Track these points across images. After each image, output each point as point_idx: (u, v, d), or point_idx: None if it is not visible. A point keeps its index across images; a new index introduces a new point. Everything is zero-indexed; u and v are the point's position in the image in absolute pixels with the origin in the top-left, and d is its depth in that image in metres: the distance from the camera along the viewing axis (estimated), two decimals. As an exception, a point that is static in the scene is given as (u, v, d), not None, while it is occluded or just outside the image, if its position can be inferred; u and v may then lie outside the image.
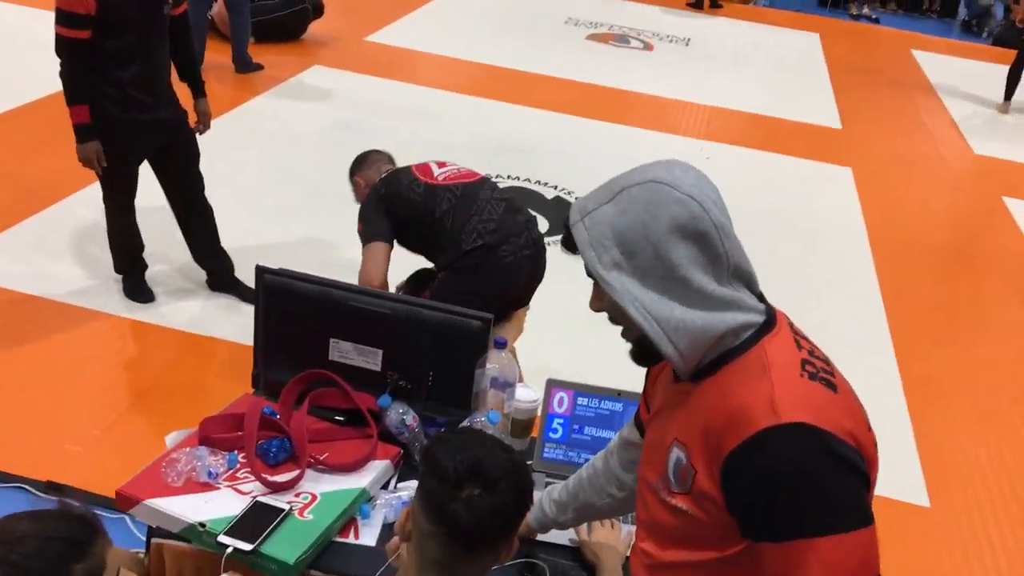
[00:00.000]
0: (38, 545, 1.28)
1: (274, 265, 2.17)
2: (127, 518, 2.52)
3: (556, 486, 1.83)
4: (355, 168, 3.37)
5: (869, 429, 1.28)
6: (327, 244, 4.55)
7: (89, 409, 3.28)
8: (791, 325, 1.36)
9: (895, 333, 4.48)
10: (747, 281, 1.32)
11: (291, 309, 2.14)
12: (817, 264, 5.06)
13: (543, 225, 5.09)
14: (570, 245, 1.34)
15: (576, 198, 5.34)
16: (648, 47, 9.26)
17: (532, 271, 2.97)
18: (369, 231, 2.98)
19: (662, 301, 1.26)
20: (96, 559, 1.33)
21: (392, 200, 2.98)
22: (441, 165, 3.07)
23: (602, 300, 1.34)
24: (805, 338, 1.35)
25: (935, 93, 8.95)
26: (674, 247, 1.24)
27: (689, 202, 1.25)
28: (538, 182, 5.65)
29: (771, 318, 1.32)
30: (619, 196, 1.28)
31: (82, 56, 3.33)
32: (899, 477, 3.45)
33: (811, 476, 1.17)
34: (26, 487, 2.88)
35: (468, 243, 2.84)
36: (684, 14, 10.87)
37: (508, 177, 5.65)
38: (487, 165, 5.69)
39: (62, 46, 3.32)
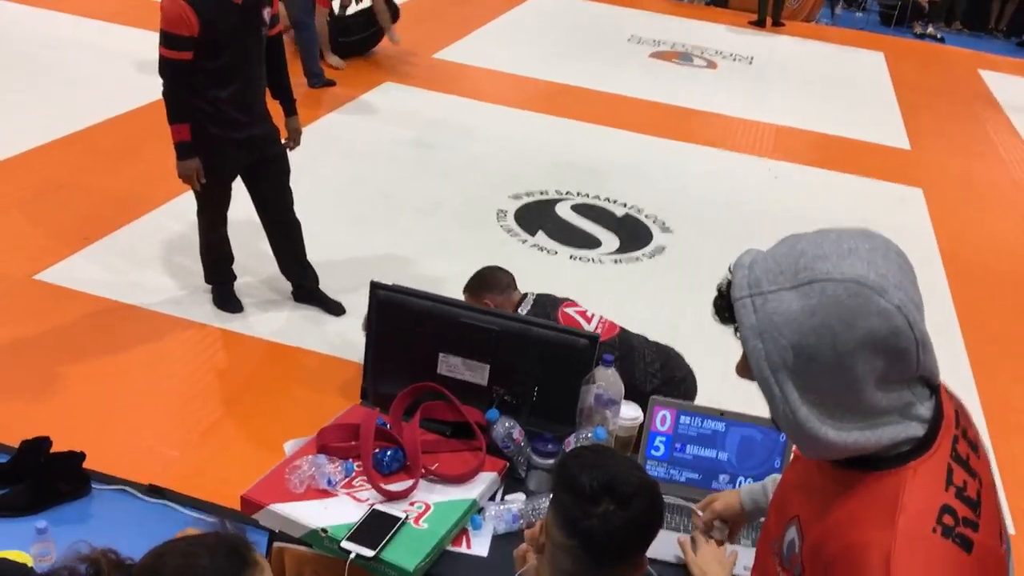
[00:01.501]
0: None
1: (362, 279, 2.24)
2: (227, 523, 2.63)
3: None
4: (480, 288, 3.16)
5: None
6: (407, 259, 4.64)
7: (184, 414, 3.40)
8: (956, 439, 1.21)
9: (974, 363, 4.44)
10: (928, 381, 1.18)
11: (402, 323, 2.22)
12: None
13: (614, 243, 5.15)
14: (724, 314, 1.22)
15: (647, 215, 5.45)
16: (712, 65, 9.27)
17: (694, 396, 3.01)
18: None
19: (817, 418, 1.15)
20: None
21: None
22: (583, 315, 3.00)
23: (750, 372, 1.20)
24: (963, 462, 1.19)
25: (1004, 114, 8.84)
26: (861, 361, 1.10)
27: (894, 315, 1.09)
28: (607, 199, 5.70)
29: (932, 430, 1.18)
30: (808, 288, 1.12)
31: (184, 76, 3.46)
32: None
33: None
34: (129, 489, 2.99)
35: (643, 388, 2.79)
36: (747, 32, 10.87)
37: (578, 194, 5.71)
38: (558, 182, 5.81)
39: (165, 67, 3.45)
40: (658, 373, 2.89)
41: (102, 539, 2.74)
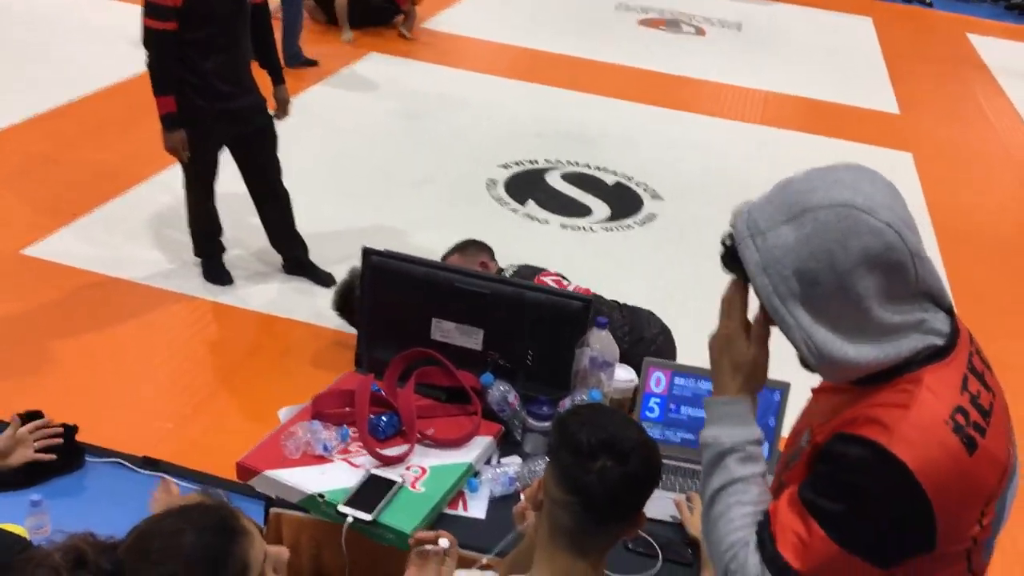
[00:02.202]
0: (182, 564, 1.25)
1: (352, 251, 2.23)
2: (222, 492, 2.63)
3: None
4: (475, 250, 3.25)
5: (987, 504, 1.23)
6: (397, 230, 4.62)
7: (177, 387, 3.39)
8: (971, 354, 1.28)
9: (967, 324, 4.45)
10: (935, 298, 1.25)
11: (396, 289, 2.21)
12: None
13: (605, 211, 5.13)
14: (731, 262, 1.28)
15: (637, 183, 5.44)
16: (700, 32, 9.22)
17: (671, 353, 3.01)
18: None
19: (833, 338, 1.20)
20: (238, 566, 1.30)
21: None
22: (558, 280, 3.02)
23: (769, 319, 1.27)
24: (978, 375, 1.27)
25: (992, 77, 8.83)
26: (861, 279, 1.17)
27: (884, 231, 1.16)
28: (598, 167, 5.68)
29: (950, 342, 1.25)
30: (802, 218, 1.19)
31: (169, 47, 3.41)
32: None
33: (871, 506, 1.19)
34: (123, 462, 2.98)
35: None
36: (735, -2, 10.80)
37: (568, 163, 5.69)
38: (548, 151, 5.78)
39: (150, 37, 3.41)
40: (626, 337, 2.86)
41: (96, 512, 2.76)
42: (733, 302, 1.34)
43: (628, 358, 2.65)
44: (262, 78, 3.83)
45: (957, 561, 1.26)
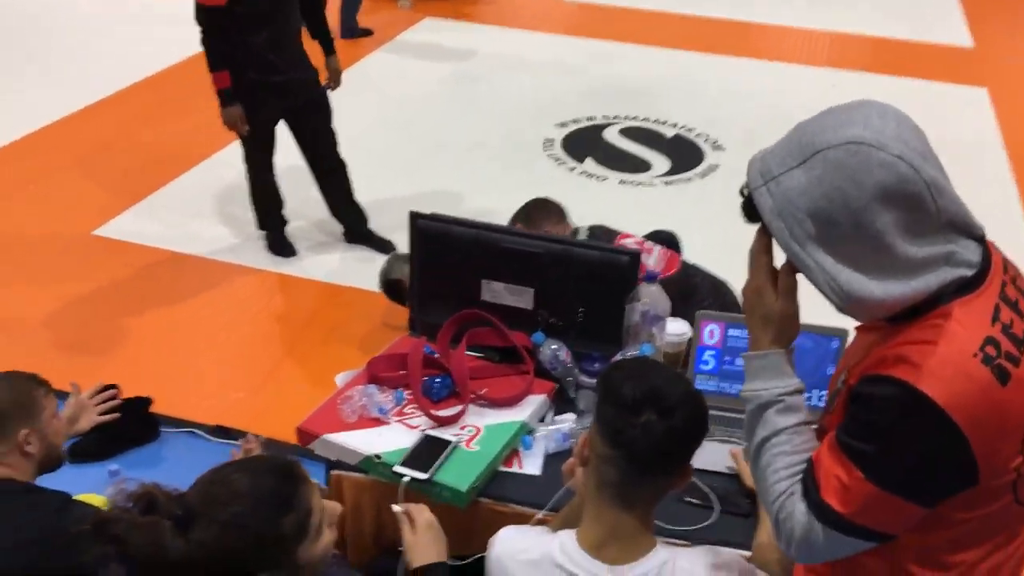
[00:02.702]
0: (250, 503, 1.34)
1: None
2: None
3: None
4: (538, 216, 3.00)
5: None
6: (454, 194, 4.63)
7: (246, 357, 3.48)
8: (1005, 283, 1.23)
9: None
10: (964, 229, 1.21)
11: (444, 252, 2.22)
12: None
13: (665, 165, 5.06)
14: (750, 212, 1.25)
15: (697, 134, 5.33)
16: (761, -25, 8.94)
17: None
18: None
19: (858, 277, 1.17)
20: (302, 510, 1.39)
21: None
22: (640, 243, 2.86)
23: (793, 266, 1.25)
24: (1011, 303, 1.22)
25: (1074, 3, 8.39)
26: (878, 215, 1.14)
27: (896, 163, 1.13)
28: (657, 120, 5.59)
29: (981, 272, 1.21)
30: (812, 160, 1.17)
31: (220, 23, 3.46)
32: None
33: (905, 444, 1.17)
34: (197, 431, 3.08)
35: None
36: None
37: (626, 118, 5.61)
38: (605, 107, 5.71)
39: (201, 13, 3.46)
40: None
41: (172, 479, 2.84)
42: (759, 254, 1.32)
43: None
44: (314, 50, 3.86)
45: (1003, 493, 1.23)
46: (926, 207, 1.15)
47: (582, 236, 2.92)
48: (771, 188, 1.21)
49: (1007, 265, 1.28)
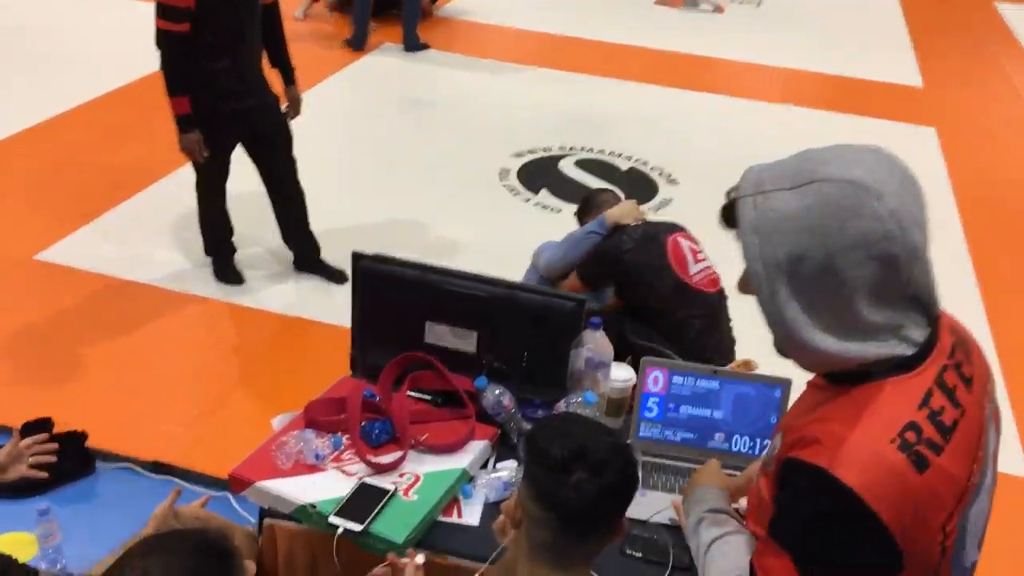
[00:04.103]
0: None
1: (361, 248, 2.20)
2: (230, 496, 2.63)
3: None
4: (588, 211, 3.01)
5: (948, 521, 1.19)
6: (407, 224, 4.61)
7: (188, 391, 3.40)
8: (945, 367, 1.21)
9: (988, 305, 4.36)
10: (923, 304, 1.19)
11: (387, 294, 2.18)
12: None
13: (620, 197, 5.07)
14: (728, 218, 1.23)
15: (652, 168, 5.36)
16: (718, 10, 9.07)
17: None
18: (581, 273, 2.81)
19: (804, 320, 1.15)
20: None
21: (633, 270, 2.72)
22: (696, 256, 2.77)
23: (750, 286, 1.23)
24: (948, 390, 1.20)
25: (1021, 47, 8.61)
26: (851, 265, 1.11)
27: (886, 219, 1.10)
28: (612, 153, 5.61)
29: (920, 354, 1.19)
30: (807, 188, 1.14)
31: (182, 48, 3.41)
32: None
33: (824, 531, 1.18)
34: (134, 467, 3.00)
35: (703, 358, 2.60)
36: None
37: (582, 149, 5.63)
38: (561, 137, 5.73)
39: (163, 39, 3.41)
40: (703, 350, 2.67)
41: (107, 516, 2.77)
42: None
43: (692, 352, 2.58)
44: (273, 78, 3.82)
45: None
46: (898, 273, 1.13)
47: (638, 228, 2.80)
48: (757, 201, 1.18)
49: (955, 350, 1.25)
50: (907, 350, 1.18)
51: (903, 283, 1.14)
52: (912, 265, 1.13)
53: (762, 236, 1.16)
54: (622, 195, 3.12)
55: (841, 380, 1.21)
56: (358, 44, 7.04)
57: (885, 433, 1.14)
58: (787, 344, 1.20)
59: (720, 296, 2.81)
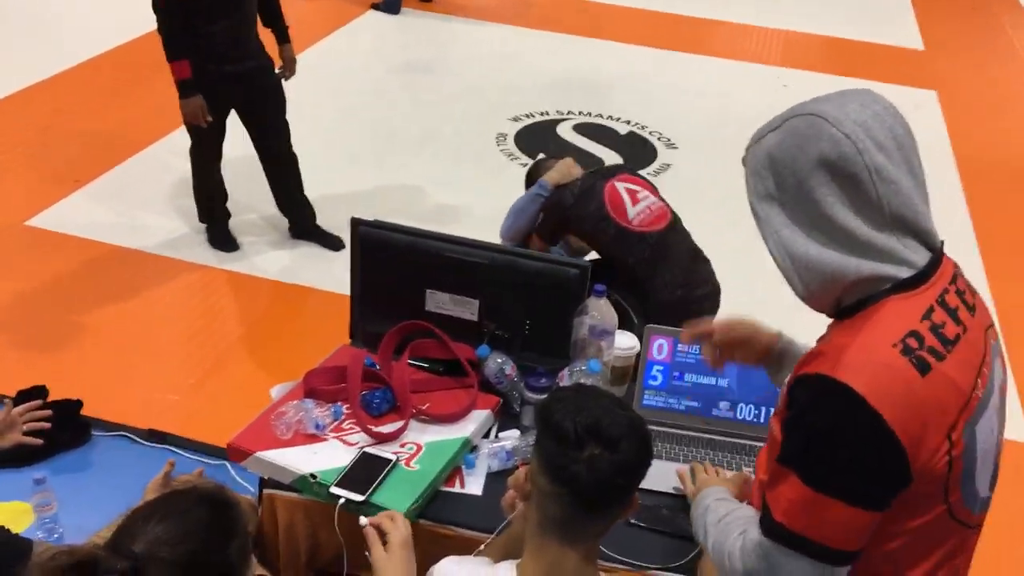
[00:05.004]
0: (199, 538, 1.29)
1: (358, 214, 2.16)
2: (228, 464, 2.61)
3: None
4: (538, 173, 3.04)
5: (953, 429, 1.20)
6: (404, 189, 4.55)
7: (184, 359, 3.37)
8: (947, 291, 1.25)
9: (987, 263, 4.33)
10: (916, 232, 1.23)
11: (387, 260, 2.14)
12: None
13: (617, 162, 5.01)
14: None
15: (651, 132, 5.30)
16: (717, -29, 8.94)
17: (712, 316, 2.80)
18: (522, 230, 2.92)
19: (802, 238, 1.23)
20: (243, 534, 1.36)
21: (576, 223, 2.79)
22: (634, 197, 2.77)
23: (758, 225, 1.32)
24: (950, 309, 1.23)
25: (1022, 9, 8.52)
26: (819, 184, 1.21)
27: (842, 141, 1.18)
28: (610, 117, 5.55)
29: (922, 275, 1.23)
30: (783, 125, 1.26)
31: (178, 11, 3.34)
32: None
33: (828, 436, 1.19)
34: (130, 435, 2.97)
35: (659, 296, 2.69)
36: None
37: (580, 113, 5.56)
38: (559, 102, 5.65)
39: (159, 2, 3.33)
40: (677, 290, 2.71)
41: (103, 485, 2.74)
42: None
43: (671, 308, 2.61)
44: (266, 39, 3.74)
45: (936, 500, 1.23)
46: (866, 190, 1.19)
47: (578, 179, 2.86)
48: (752, 149, 1.30)
49: (957, 277, 1.29)
50: (906, 272, 1.22)
51: (876, 201, 1.19)
52: (878, 184, 1.18)
53: (754, 174, 1.28)
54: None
55: (845, 314, 1.26)
56: (393, 7, 6.81)
57: (887, 339, 1.18)
58: (787, 264, 1.25)
59: (669, 229, 2.79)
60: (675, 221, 2.83)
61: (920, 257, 1.23)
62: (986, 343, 1.29)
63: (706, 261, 2.89)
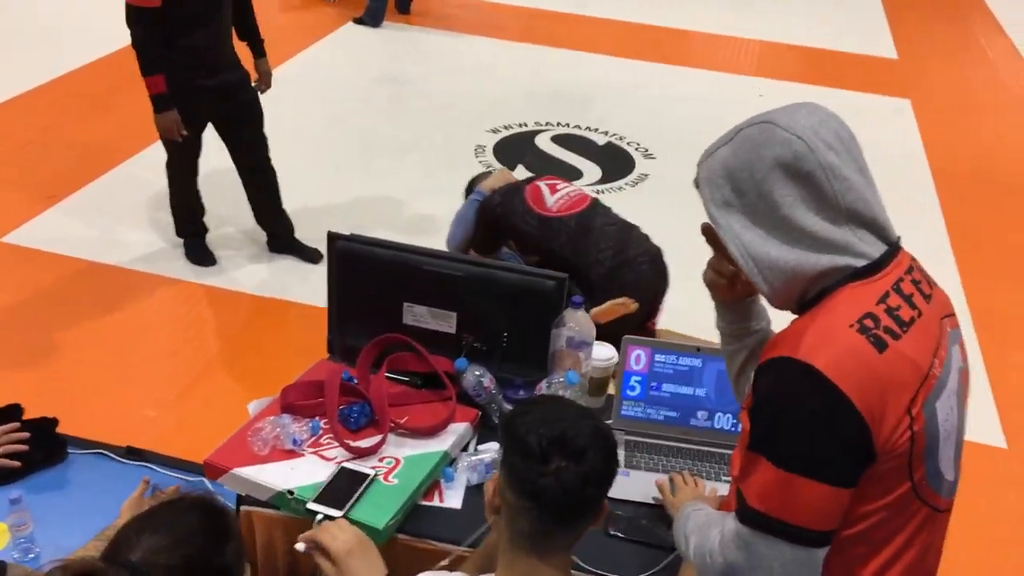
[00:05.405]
0: (197, 543, 1.30)
1: (336, 227, 2.16)
2: (206, 481, 2.59)
3: None
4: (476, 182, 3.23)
5: (912, 404, 1.24)
6: (382, 200, 4.55)
7: (162, 374, 3.35)
8: (902, 280, 1.30)
9: (964, 276, 4.37)
10: (869, 225, 1.29)
11: (364, 274, 2.14)
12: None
13: (596, 173, 5.04)
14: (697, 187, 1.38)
15: (629, 142, 5.32)
16: (693, -18, 9.01)
17: (655, 281, 2.91)
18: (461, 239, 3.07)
19: (763, 239, 1.28)
20: (236, 537, 1.38)
21: (504, 221, 2.96)
22: (552, 188, 2.96)
23: (715, 233, 1.36)
24: (904, 295, 1.28)
25: (993, 18, 8.63)
26: (777, 186, 1.26)
27: (793, 141, 1.25)
28: (588, 128, 5.57)
29: (877, 264, 1.28)
30: (736, 137, 1.31)
31: (154, 25, 3.31)
32: (973, 418, 3.38)
33: (792, 413, 1.23)
34: (107, 453, 2.93)
35: (595, 271, 2.78)
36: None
37: (558, 124, 5.58)
38: (537, 113, 5.67)
39: (133, 15, 3.30)
40: (608, 260, 2.79)
41: (80, 504, 2.70)
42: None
43: (609, 280, 2.74)
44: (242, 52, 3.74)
45: (901, 477, 1.27)
46: (821, 186, 1.24)
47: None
48: (706, 163, 1.35)
49: (913, 269, 1.34)
50: (861, 262, 1.27)
51: (831, 196, 1.25)
52: (832, 181, 1.24)
53: (709, 184, 1.33)
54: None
55: (807, 308, 1.31)
56: (375, 19, 6.82)
57: (844, 321, 1.24)
58: (750, 265, 1.29)
59: (589, 209, 2.90)
60: (596, 203, 2.96)
61: (875, 249, 1.29)
62: (941, 329, 1.34)
63: (639, 231, 2.97)
